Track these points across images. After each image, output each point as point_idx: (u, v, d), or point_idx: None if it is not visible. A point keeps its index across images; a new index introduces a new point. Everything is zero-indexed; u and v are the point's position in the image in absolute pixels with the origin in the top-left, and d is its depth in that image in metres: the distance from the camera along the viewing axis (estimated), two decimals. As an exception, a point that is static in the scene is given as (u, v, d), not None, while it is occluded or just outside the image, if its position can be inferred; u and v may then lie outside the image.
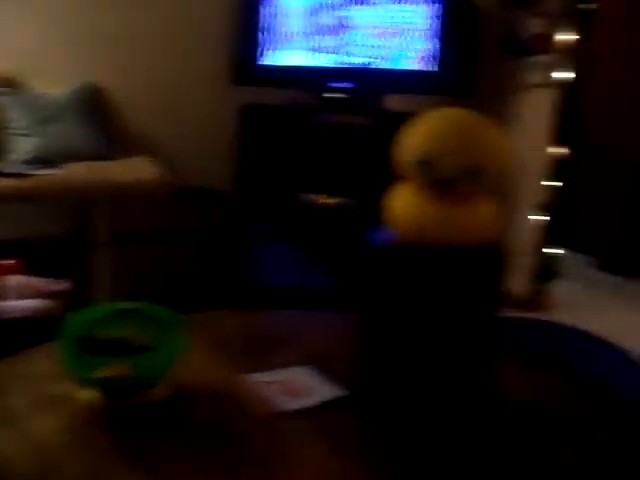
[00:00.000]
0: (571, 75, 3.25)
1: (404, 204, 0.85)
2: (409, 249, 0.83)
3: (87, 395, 0.89)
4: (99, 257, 1.93)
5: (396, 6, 3.30)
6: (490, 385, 0.88)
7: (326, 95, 3.51)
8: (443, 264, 0.81)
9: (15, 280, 1.66)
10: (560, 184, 3.41)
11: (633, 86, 4.25)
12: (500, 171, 0.84)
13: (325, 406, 0.89)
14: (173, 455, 0.78)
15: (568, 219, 3.48)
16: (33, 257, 1.94)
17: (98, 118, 3.69)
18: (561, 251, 3.59)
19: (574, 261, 4.39)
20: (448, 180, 0.80)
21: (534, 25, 3.43)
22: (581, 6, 3.25)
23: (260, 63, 3.52)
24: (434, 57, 3.29)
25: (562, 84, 3.30)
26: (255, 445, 0.80)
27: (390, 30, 3.32)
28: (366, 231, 0.88)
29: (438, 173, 0.80)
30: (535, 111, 3.46)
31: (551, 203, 3.44)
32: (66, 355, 0.87)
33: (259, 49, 3.52)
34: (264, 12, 3.50)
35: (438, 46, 3.27)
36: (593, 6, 3.16)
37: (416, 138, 0.85)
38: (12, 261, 1.81)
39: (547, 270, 3.55)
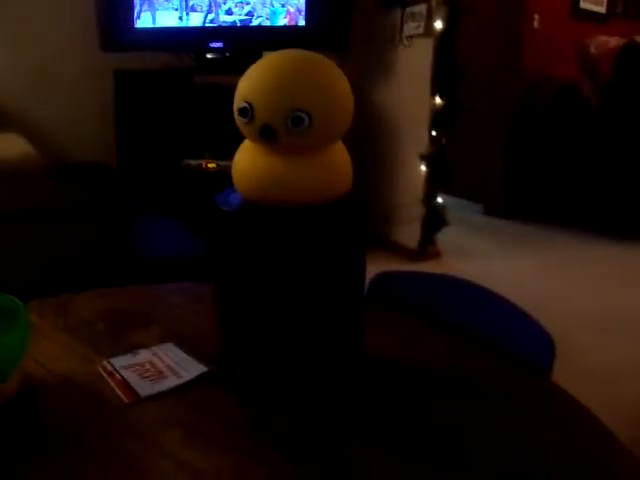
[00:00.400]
0: (444, 25, 3.27)
1: (242, 162, 0.80)
2: (249, 211, 0.78)
3: None
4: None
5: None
6: (359, 344, 0.85)
7: (202, 56, 3.40)
8: (287, 225, 0.76)
9: None
10: (442, 134, 3.45)
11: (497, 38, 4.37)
12: (335, 117, 0.77)
13: (185, 386, 0.83)
14: (18, 457, 0.71)
15: (452, 168, 3.53)
16: None
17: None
18: (447, 199, 3.65)
19: (461, 208, 4.51)
20: (268, 127, 0.72)
21: (407, -25, 3.42)
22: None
23: (135, 26, 3.35)
24: (302, 12, 3.23)
25: (438, 34, 3.32)
26: (107, 438, 0.74)
27: (260, -15, 3.23)
28: (215, 193, 0.83)
29: (260, 119, 0.73)
30: (414, 62, 3.47)
31: (435, 153, 3.48)
32: None
33: (134, 11, 3.34)
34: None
35: (304, 0, 3.21)
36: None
37: (240, 85, 0.77)
38: None
39: (436, 219, 3.61)
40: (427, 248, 3.62)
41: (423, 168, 3.48)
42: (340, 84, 0.79)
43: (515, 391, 0.89)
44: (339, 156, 0.81)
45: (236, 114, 0.76)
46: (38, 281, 1.48)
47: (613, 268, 3.60)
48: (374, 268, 1.22)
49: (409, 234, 3.61)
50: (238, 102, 0.76)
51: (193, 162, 3.18)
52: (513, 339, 0.99)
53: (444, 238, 3.67)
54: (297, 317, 0.78)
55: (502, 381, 0.91)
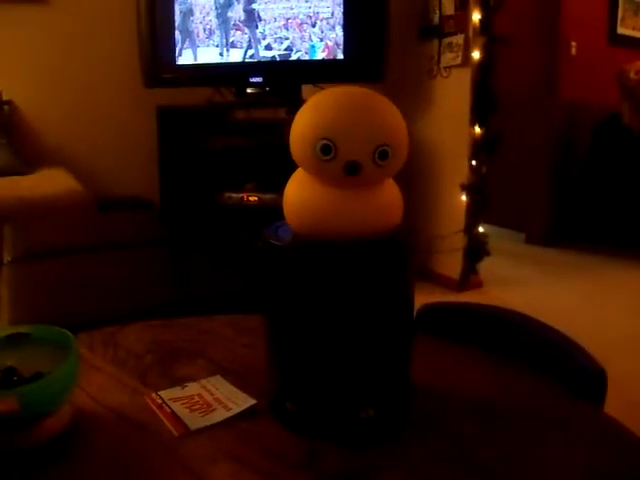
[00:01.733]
0: (481, 55, 3.28)
1: (300, 196, 0.79)
2: (303, 245, 0.78)
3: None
4: (6, 278, 1.82)
5: (303, -5, 3.26)
6: (408, 378, 0.84)
7: (242, 91, 3.46)
8: (341, 259, 0.76)
9: None
10: (482, 163, 3.43)
11: (534, 67, 4.36)
12: (404, 151, 0.78)
13: (234, 419, 0.83)
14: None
15: (493, 197, 3.51)
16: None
17: (7, 132, 3.55)
18: (488, 229, 3.62)
19: (502, 237, 4.47)
20: (355, 163, 0.73)
21: (445, 6, 3.45)
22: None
23: (176, 63, 3.43)
24: (340, 45, 3.28)
25: (476, 64, 3.32)
26: (158, 471, 0.74)
27: (298, 20, 3.28)
28: (263, 227, 0.83)
29: (344, 156, 0.73)
30: (452, 92, 3.48)
31: (475, 182, 3.46)
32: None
33: (176, 48, 3.43)
34: (177, 10, 3.41)
35: (342, 34, 3.26)
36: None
37: (312, 121, 0.76)
38: None
39: (477, 249, 3.58)
40: (469, 278, 3.58)
41: (464, 198, 3.46)
42: (402, 119, 0.80)
43: (567, 422, 0.86)
44: (392, 189, 0.82)
45: (310, 151, 0.75)
46: (90, 313, 1.50)
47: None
48: (417, 299, 1.21)
49: (451, 264, 3.58)
50: (316, 140, 0.75)
51: (234, 195, 3.21)
52: (564, 370, 0.97)
53: (486, 268, 3.63)
54: (347, 349, 0.78)
55: (553, 412, 0.89)
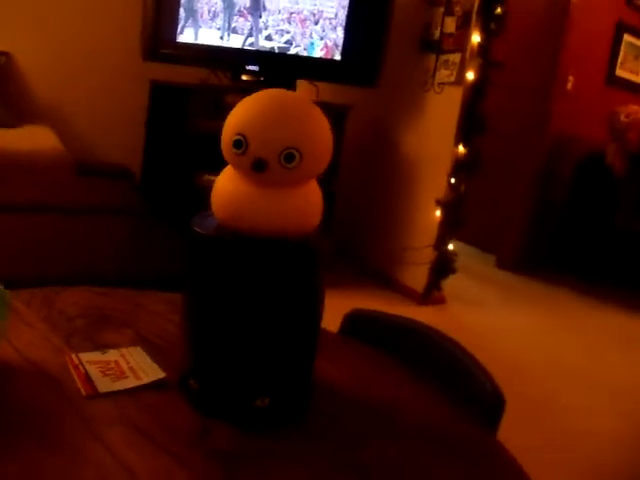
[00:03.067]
0: (475, 76, 3.33)
1: (221, 187, 0.85)
2: (217, 236, 0.83)
3: None
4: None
5: (309, -8, 3.30)
6: (309, 374, 0.89)
7: (237, 76, 3.49)
8: (250, 254, 0.81)
9: None
10: (461, 182, 3.49)
11: (527, 95, 4.43)
12: (320, 158, 0.83)
13: (142, 388, 0.88)
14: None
15: (467, 216, 3.57)
16: None
17: (0, 83, 3.56)
18: (460, 247, 3.68)
19: (473, 257, 4.54)
20: (261, 160, 0.78)
21: (448, 24, 3.50)
22: (497, 10, 3.33)
23: (176, 40, 3.45)
24: (339, 46, 3.32)
25: (469, 84, 3.38)
26: (58, 426, 0.78)
27: (302, 16, 3.32)
28: (192, 216, 0.88)
29: (253, 152, 0.78)
30: (442, 108, 3.53)
31: (452, 200, 3.52)
32: None
33: (178, 26, 3.45)
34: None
35: (342, 35, 3.30)
36: (500, 11, 3.24)
37: (233, 117, 0.82)
38: None
39: (445, 265, 3.63)
40: (433, 293, 3.64)
41: (438, 213, 3.51)
42: (325, 126, 0.84)
43: (455, 440, 0.92)
44: (313, 193, 0.86)
45: (227, 145, 0.81)
46: (41, 271, 1.54)
47: (611, 334, 3.60)
48: (377, 306, 1.27)
49: (417, 277, 3.63)
50: (231, 134, 0.80)
51: (212, 178, 3.24)
52: (468, 390, 1.02)
53: (452, 285, 3.70)
54: (251, 337, 0.83)
55: (446, 429, 0.94)
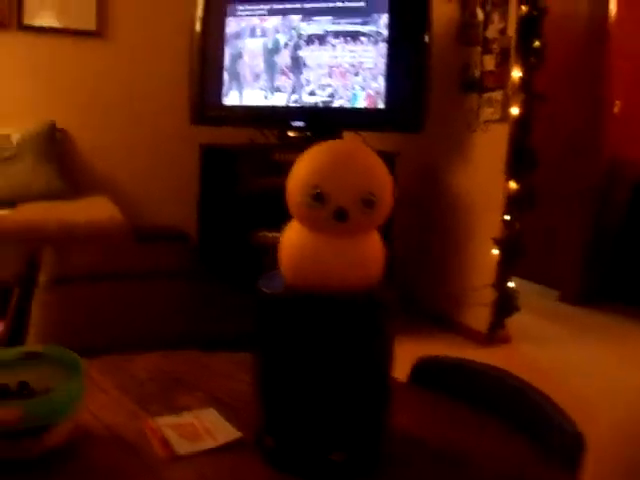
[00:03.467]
0: (520, 111, 3.32)
1: (291, 244, 0.86)
2: (286, 295, 0.84)
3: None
4: (38, 299, 1.91)
5: (348, 46, 3.37)
6: (383, 426, 0.89)
7: (284, 133, 3.56)
8: (320, 312, 0.81)
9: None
10: (515, 219, 3.45)
11: (574, 124, 4.38)
12: (389, 201, 0.84)
13: (219, 449, 0.88)
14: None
15: (526, 252, 3.51)
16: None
17: (56, 158, 3.72)
18: (521, 284, 3.62)
19: (535, 293, 4.45)
20: (343, 210, 0.79)
21: (486, 62, 3.52)
22: (535, 43, 3.34)
23: (222, 103, 3.56)
24: (381, 94, 3.37)
25: (514, 119, 3.37)
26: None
27: (342, 69, 3.39)
28: (259, 276, 0.90)
29: (334, 203, 0.79)
30: (490, 147, 3.52)
31: (508, 237, 3.48)
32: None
33: (223, 89, 3.56)
34: (228, 53, 3.55)
35: (384, 84, 3.35)
36: (538, 44, 3.24)
37: (304, 172, 0.83)
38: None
39: (507, 303, 3.57)
40: (497, 333, 3.57)
41: (495, 252, 3.47)
42: (387, 171, 0.86)
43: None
44: (376, 241, 0.87)
45: (302, 200, 0.82)
46: (110, 339, 1.58)
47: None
48: (442, 350, 1.25)
49: (479, 317, 3.57)
50: (308, 188, 0.81)
51: (269, 235, 3.29)
52: (545, 433, 0.99)
53: (516, 323, 3.62)
54: (326, 393, 0.83)
55: (526, 474, 0.91)
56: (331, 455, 0.82)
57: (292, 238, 0.86)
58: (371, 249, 0.86)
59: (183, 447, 0.88)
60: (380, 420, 0.87)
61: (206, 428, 0.94)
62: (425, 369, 1.20)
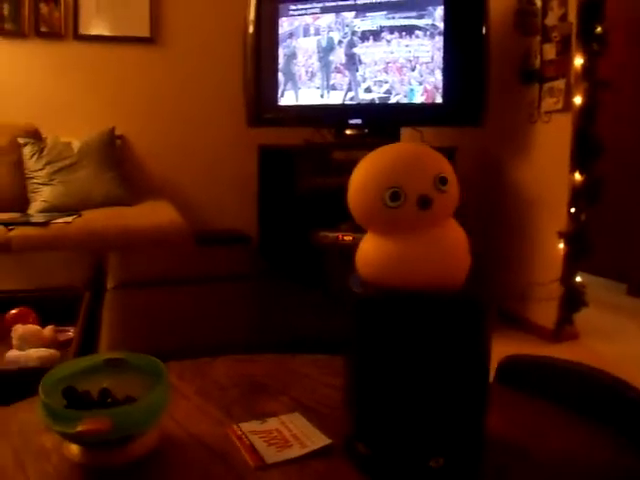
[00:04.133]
0: (583, 99, 3.22)
1: (374, 258, 0.83)
2: (381, 296, 0.81)
3: (69, 450, 0.87)
4: (109, 304, 1.93)
5: (403, 40, 3.32)
6: (481, 430, 0.85)
7: (341, 132, 3.54)
8: (416, 313, 0.78)
9: (22, 329, 1.67)
10: (581, 211, 3.35)
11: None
12: (456, 185, 0.82)
13: (309, 456, 0.86)
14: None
15: (593, 246, 3.41)
16: (47, 306, 1.95)
17: (117, 164, 3.77)
18: (587, 278, 3.52)
19: (602, 288, 4.32)
20: (425, 196, 0.77)
21: (547, 51, 3.42)
22: (597, 29, 3.23)
23: (278, 104, 3.56)
24: (439, 89, 3.31)
25: (577, 109, 3.27)
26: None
27: (398, 64, 3.34)
28: (344, 274, 0.87)
29: (413, 194, 0.78)
30: (553, 138, 3.43)
31: (574, 230, 3.37)
32: (44, 409, 0.86)
33: (278, 90, 3.56)
34: (281, 53, 3.55)
35: (442, 78, 3.29)
36: (600, 30, 3.14)
37: (374, 178, 0.81)
38: (21, 309, 1.83)
39: (575, 298, 3.47)
40: (564, 329, 3.47)
41: (561, 246, 3.38)
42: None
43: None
44: (458, 228, 0.84)
45: (382, 204, 0.79)
46: (183, 343, 1.58)
47: None
48: (510, 347, 1.21)
49: (546, 313, 3.48)
50: (382, 190, 0.79)
51: (330, 234, 3.27)
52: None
53: (583, 318, 3.51)
54: (420, 397, 0.79)
55: (630, 472, 0.86)
56: (429, 462, 0.79)
57: (371, 250, 0.83)
58: (457, 235, 0.83)
59: (271, 455, 0.86)
60: (479, 423, 0.83)
61: (293, 434, 0.91)
62: (512, 368, 1.15)
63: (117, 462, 0.86)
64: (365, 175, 0.83)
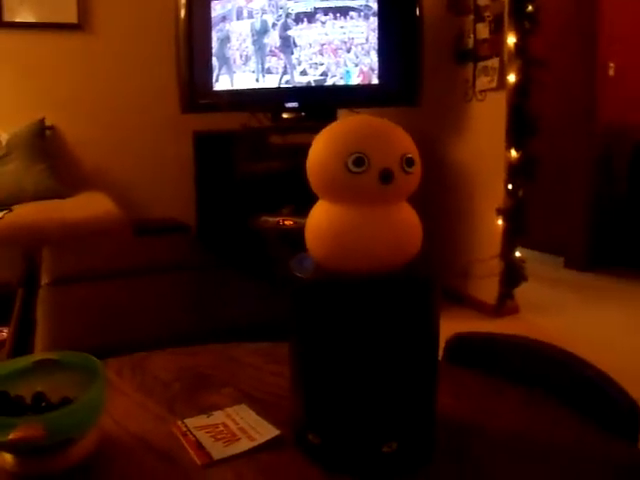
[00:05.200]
0: (517, 78, 3.26)
1: (326, 226, 0.79)
2: (326, 279, 0.78)
3: (3, 459, 0.82)
4: (43, 301, 1.85)
5: (338, 22, 3.29)
6: (433, 411, 0.83)
7: (278, 116, 3.49)
8: (363, 295, 0.76)
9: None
10: (518, 187, 3.39)
11: (571, 89, 4.32)
12: (419, 165, 0.81)
13: (257, 449, 0.83)
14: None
15: (530, 221, 3.46)
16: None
17: (49, 156, 3.64)
18: (526, 253, 3.58)
19: (540, 262, 4.41)
20: (389, 170, 0.75)
21: (480, 30, 3.45)
22: (529, 8, 3.26)
23: (213, 89, 3.48)
24: (374, 70, 3.30)
25: (511, 87, 3.30)
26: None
27: (333, 46, 3.31)
28: (287, 259, 0.84)
29: (377, 165, 0.76)
30: (488, 116, 3.46)
31: (511, 206, 3.42)
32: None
33: (213, 74, 3.48)
34: (215, 37, 3.47)
35: (377, 59, 3.28)
36: (531, 8, 3.18)
37: (342, 139, 0.79)
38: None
39: (514, 273, 3.53)
40: (506, 303, 3.53)
41: (500, 222, 3.42)
42: None
43: (598, 458, 0.84)
44: (412, 211, 0.82)
45: (344, 166, 0.77)
46: (122, 338, 1.52)
47: None
48: (452, 324, 1.20)
49: (487, 289, 3.53)
50: (347, 155, 0.77)
51: (270, 219, 3.23)
52: (595, 405, 0.94)
53: (523, 293, 3.58)
54: (370, 381, 0.77)
55: (584, 448, 0.86)
56: (382, 447, 0.77)
57: (324, 218, 0.80)
58: (411, 217, 0.82)
59: (219, 450, 0.83)
60: (430, 404, 0.82)
61: (240, 427, 0.88)
62: (460, 346, 1.14)
63: (55, 469, 0.81)
64: (329, 139, 0.80)
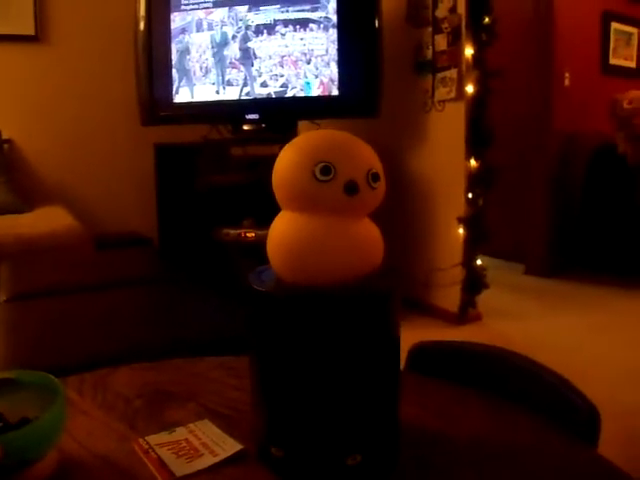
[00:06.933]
0: (474, 88, 3.31)
1: (287, 237, 0.80)
2: (287, 293, 0.78)
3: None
4: (1, 318, 1.81)
5: (298, 33, 3.30)
6: (395, 419, 0.84)
7: (239, 128, 3.49)
8: (325, 308, 0.76)
9: None
10: (478, 196, 3.44)
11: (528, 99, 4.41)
12: (384, 181, 0.82)
13: (220, 464, 0.82)
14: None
15: (490, 229, 3.51)
16: None
17: (6, 170, 3.58)
18: (487, 261, 3.62)
19: (501, 269, 4.47)
20: (354, 182, 0.76)
21: (438, 42, 3.49)
22: (486, 20, 3.32)
23: (173, 101, 3.46)
24: (334, 81, 3.32)
25: (469, 97, 3.36)
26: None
27: (293, 58, 3.32)
28: (248, 271, 0.83)
29: (343, 176, 0.76)
30: (447, 126, 3.51)
31: (472, 215, 3.47)
32: None
33: (172, 87, 3.46)
34: (174, 49, 3.45)
35: (337, 70, 3.30)
36: (488, 20, 3.24)
37: (309, 149, 0.79)
38: None
39: (476, 281, 3.57)
40: (468, 311, 3.57)
41: (461, 231, 3.46)
42: None
43: (561, 462, 0.85)
44: (373, 227, 0.83)
45: (310, 175, 0.77)
46: (83, 355, 1.49)
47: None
48: (415, 333, 1.21)
49: (449, 298, 3.57)
50: (314, 164, 0.77)
51: (232, 231, 3.22)
52: (557, 409, 0.96)
53: (485, 300, 3.62)
54: (332, 394, 0.77)
55: (549, 453, 0.87)
56: (346, 459, 0.77)
57: (286, 228, 0.80)
58: (374, 231, 0.83)
59: (181, 467, 0.82)
60: (394, 415, 0.82)
61: (203, 443, 0.87)
62: (422, 355, 1.15)
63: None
64: (297, 149, 0.81)
